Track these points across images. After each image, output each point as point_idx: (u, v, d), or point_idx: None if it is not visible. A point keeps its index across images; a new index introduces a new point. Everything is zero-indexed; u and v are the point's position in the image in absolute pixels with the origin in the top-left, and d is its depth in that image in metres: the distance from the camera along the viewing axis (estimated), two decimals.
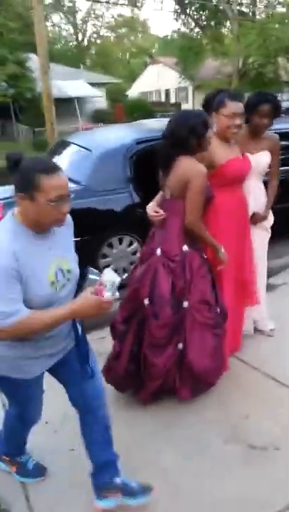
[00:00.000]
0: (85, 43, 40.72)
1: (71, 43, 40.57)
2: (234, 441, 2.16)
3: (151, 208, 2.41)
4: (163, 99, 30.16)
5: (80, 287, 1.58)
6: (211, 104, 2.50)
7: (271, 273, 4.16)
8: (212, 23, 21.45)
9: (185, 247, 2.32)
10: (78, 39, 39.68)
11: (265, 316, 3.11)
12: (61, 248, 1.56)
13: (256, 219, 2.84)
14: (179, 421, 2.32)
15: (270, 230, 3.00)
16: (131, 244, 3.95)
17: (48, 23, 38.83)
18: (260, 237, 2.93)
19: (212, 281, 2.41)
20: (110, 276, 1.50)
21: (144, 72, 32.85)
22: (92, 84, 23.80)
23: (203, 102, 2.61)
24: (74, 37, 39.88)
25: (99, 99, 24.42)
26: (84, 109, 23.05)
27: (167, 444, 2.16)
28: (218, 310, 2.41)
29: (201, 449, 2.13)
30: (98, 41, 42.82)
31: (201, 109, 2.58)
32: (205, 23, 21.59)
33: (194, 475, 1.98)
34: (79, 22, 39.37)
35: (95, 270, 1.58)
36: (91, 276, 1.55)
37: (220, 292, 2.48)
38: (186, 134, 2.22)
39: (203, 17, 21.47)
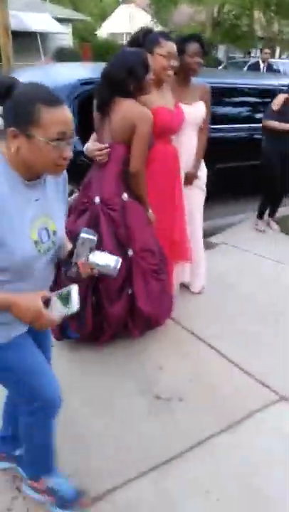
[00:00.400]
0: None
1: None
2: (144, 391, 2.22)
3: (95, 147, 2.28)
4: None
5: (71, 255, 1.34)
6: (140, 44, 2.35)
7: (211, 232, 4.22)
8: None
9: (125, 196, 2.27)
10: None
11: (200, 274, 3.12)
12: (50, 204, 1.30)
13: (190, 179, 2.79)
14: (101, 370, 2.36)
15: (205, 189, 2.96)
16: (72, 193, 3.81)
17: None
18: (195, 196, 2.89)
19: (152, 229, 2.44)
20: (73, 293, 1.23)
21: (116, 11, 30.83)
22: (59, 20, 22.15)
23: (130, 41, 2.44)
24: None
25: (64, 37, 22.85)
26: (47, 45, 21.56)
27: (85, 390, 2.20)
28: (160, 258, 2.47)
29: (114, 396, 2.18)
30: None
31: None
32: None
33: (105, 420, 2.03)
34: None
35: (89, 230, 1.34)
36: (84, 235, 1.30)
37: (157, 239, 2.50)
38: (124, 76, 2.12)
39: None
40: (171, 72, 2.37)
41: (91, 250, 1.32)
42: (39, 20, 20.54)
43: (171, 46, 2.32)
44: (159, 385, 2.26)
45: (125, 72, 2.10)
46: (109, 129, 2.22)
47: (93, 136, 2.37)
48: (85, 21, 28.07)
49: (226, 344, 2.58)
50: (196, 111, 2.68)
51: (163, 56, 2.30)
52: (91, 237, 1.31)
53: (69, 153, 1.17)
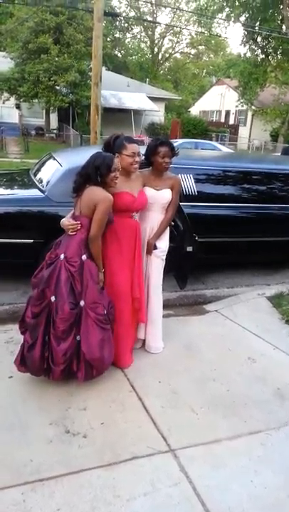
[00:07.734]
0: (160, 56, 42.01)
1: (147, 56, 42.03)
2: (59, 425, 2.58)
3: (66, 219, 2.92)
4: (223, 119, 30.46)
5: None
6: (112, 147, 2.99)
7: (210, 300, 4.52)
8: (278, 51, 21.51)
9: (84, 257, 2.82)
10: (154, 52, 41.05)
11: (155, 335, 3.45)
12: None
13: (147, 247, 3.26)
14: (30, 396, 2.78)
15: (163, 258, 3.39)
16: None
17: (129, 35, 40.43)
18: (152, 263, 3.33)
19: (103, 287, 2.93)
20: None
21: (210, 91, 33.37)
22: (155, 98, 24.73)
23: (105, 144, 3.08)
24: (150, 50, 41.33)
25: (157, 113, 25.28)
26: (142, 120, 24.03)
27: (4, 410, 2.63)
28: (105, 311, 2.89)
29: (29, 421, 2.58)
30: (176, 56, 44.03)
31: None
32: (271, 50, 21.71)
33: (13, 445, 2.42)
34: (157, 36, 40.75)
35: None
36: None
37: (109, 298, 2.97)
38: (92, 171, 2.80)
39: (270, 44, 21.58)
40: (136, 166, 3.01)
41: None
42: (135, 99, 23.11)
43: (133, 147, 2.95)
44: (74, 422, 2.59)
45: (93, 168, 2.80)
46: (79, 206, 2.86)
47: (69, 213, 2.99)
48: (182, 99, 30.61)
49: (154, 402, 2.83)
50: (161, 195, 3.24)
51: (128, 156, 2.95)
52: None
53: None
